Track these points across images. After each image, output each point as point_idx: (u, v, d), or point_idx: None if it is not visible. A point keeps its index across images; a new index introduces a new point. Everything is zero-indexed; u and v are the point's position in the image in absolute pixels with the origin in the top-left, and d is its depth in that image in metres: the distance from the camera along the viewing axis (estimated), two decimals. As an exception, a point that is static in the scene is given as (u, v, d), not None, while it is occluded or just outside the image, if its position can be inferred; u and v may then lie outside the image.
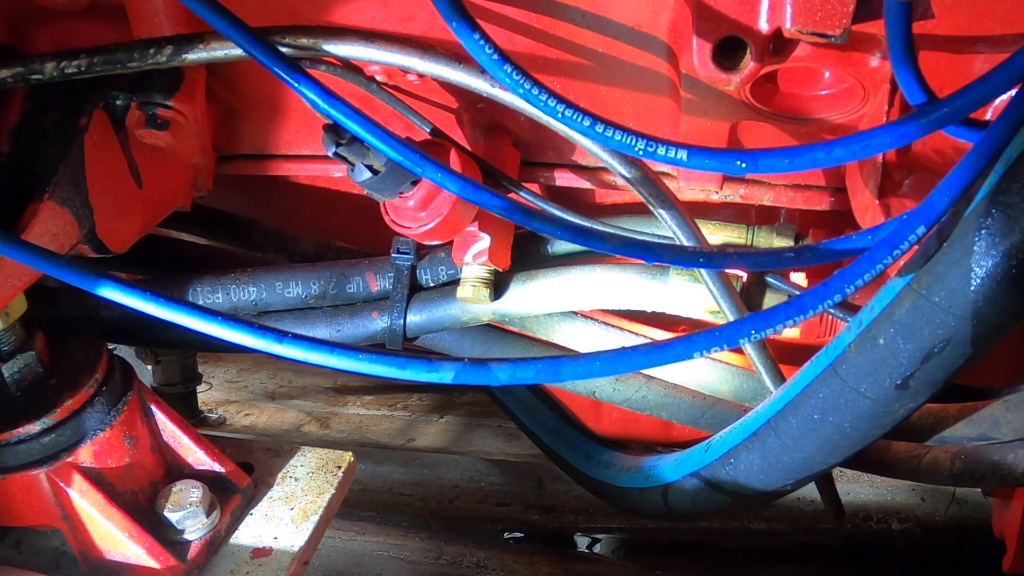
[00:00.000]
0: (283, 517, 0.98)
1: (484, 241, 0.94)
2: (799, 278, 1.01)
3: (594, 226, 0.86)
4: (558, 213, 0.91)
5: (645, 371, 1.07)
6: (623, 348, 0.72)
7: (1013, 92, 0.62)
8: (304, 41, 0.81)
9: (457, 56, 0.83)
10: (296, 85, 0.75)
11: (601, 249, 0.80)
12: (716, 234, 0.98)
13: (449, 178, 0.75)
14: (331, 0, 0.87)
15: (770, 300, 0.98)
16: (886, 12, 0.67)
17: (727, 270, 0.95)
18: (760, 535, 1.68)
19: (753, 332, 0.69)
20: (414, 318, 1.02)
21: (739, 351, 0.95)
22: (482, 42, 0.72)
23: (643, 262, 1.04)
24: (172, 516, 0.92)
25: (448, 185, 0.75)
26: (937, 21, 0.72)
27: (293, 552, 0.94)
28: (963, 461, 0.87)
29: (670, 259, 0.79)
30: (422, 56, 0.83)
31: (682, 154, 0.72)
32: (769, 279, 0.97)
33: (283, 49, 0.82)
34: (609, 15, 0.83)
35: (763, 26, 0.72)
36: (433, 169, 0.74)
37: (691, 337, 0.70)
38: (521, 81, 0.73)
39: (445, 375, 0.72)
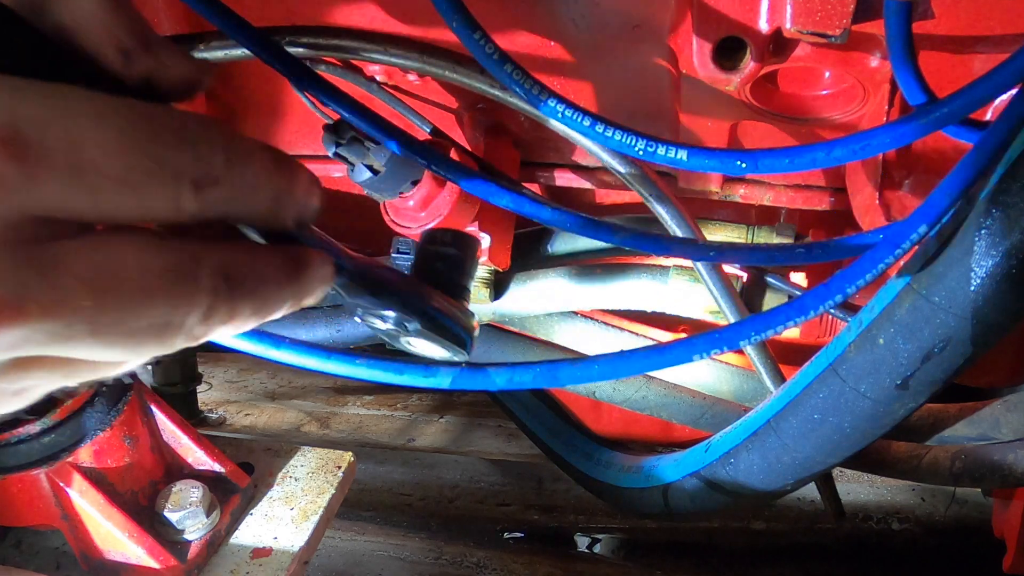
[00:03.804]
0: (283, 517, 0.98)
1: (484, 241, 0.94)
2: (799, 278, 1.01)
3: (603, 219, 0.86)
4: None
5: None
6: (622, 352, 0.72)
7: (1014, 91, 0.62)
8: (304, 41, 0.81)
9: (457, 56, 0.83)
10: (300, 85, 0.74)
11: (610, 241, 0.80)
12: (716, 234, 0.98)
13: (457, 173, 0.75)
14: (331, 0, 0.87)
15: (770, 300, 0.98)
16: (886, 12, 0.67)
17: (728, 269, 0.95)
18: (760, 535, 1.68)
19: (753, 334, 0.69)
20: (414, 318, 1.02)
21: (739, 351, 0.95)
22: (482, 42, 0.72)
23: (646, 260, 1.05)
24: (172, 516, 0.92)
25: (459, 180, 0.75)
26: (937, 21, 0.72)
27: (293, 552, 0.94)
28: (963, 461, 0.87)
29: (680, 252, 0.79)
30: (422, 56, 0.83)
31: (682, 154, 0.72)
32: (769, 279, 0.97)
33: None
34: (609, 15, 0.83)
35: (763, 26, 0.72)
36: (444, 165, 0.75)
37: (691, 340, 0.70)
38: (521, 81, 0.73)
39: (443, 380, 0.71)
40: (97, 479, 0.90)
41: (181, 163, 0.33)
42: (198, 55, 0.84)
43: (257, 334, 0.71)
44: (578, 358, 0.70)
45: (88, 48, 0.37)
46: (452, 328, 0.58)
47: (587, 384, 1.07)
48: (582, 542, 1.75)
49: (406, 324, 0.57)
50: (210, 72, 0.41)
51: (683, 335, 1.13)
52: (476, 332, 0.61)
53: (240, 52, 0.82)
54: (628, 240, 0.80)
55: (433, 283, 0.58)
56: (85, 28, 0.37)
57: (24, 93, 0.31)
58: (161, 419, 0.97)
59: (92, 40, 0.37)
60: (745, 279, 0.98)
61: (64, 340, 0.32)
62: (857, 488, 1.68)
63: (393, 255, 1.03)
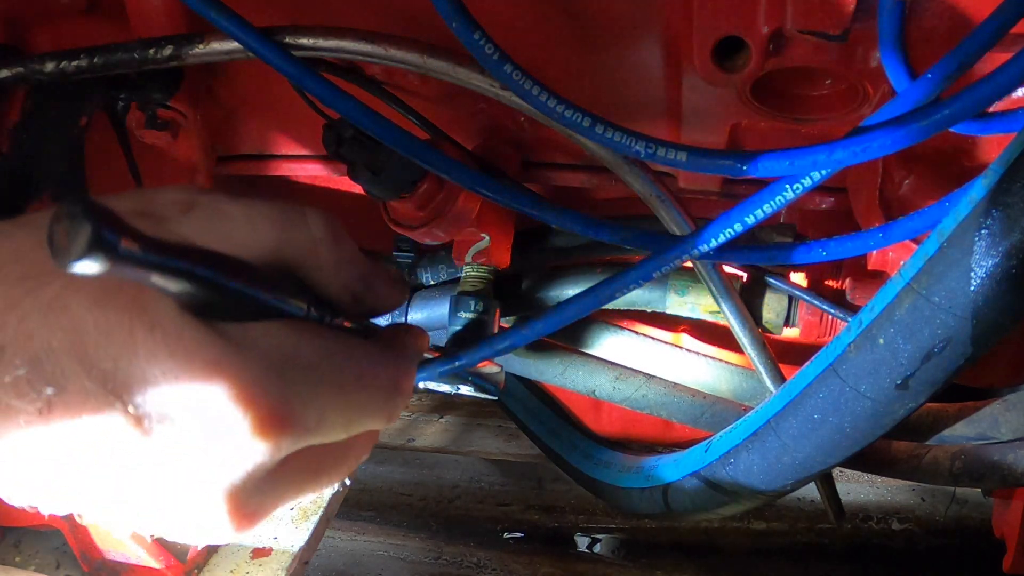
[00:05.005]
0: (283, 517, 0.98)
1: (484, 241, 0.94)
2: (799, 278, 1.01)
3: (604, 219, 0.87)
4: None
5: (645, 370, 1.07)
6: (563, 302, 0.81)
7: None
8: (304, 41, 0.81)
9: (457, 56, 0.83)
10: (301, 84, 0.75)
11: (610, 241, 0.80)
12: (716, 234, 0.98)
13: (457, 173, 0.76)
14: (331, 0, 0.87)
15: (770, 299, 0.98)
16: (880, 10, 0.67)
17: (728, 269, 0.95)
18: (760, 535, 1.68)
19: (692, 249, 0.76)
20: (415, 316, 1.03)
21: (739, 351, 0.95)
22: (482, 42, 0.72)
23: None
24: (172, 516, 0.92)
25: (461, 180, 0.76)
26: (937, 21, 0.72)
27: (293, 552, 0.94)
28: (963, 461, 0.87)
29: (680, 252, 0.79)
30: (422, 56, 0.83)
31: (682, 155, 0.72)
32: (769, 279, 0.97)
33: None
34: (607, 14, 0.83)
35: (763, 26, 0.72)
36: (444, 165, 0.76)
37: (626, 271, 0.78)
38: (521, 81, 0.73)
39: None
40: (97, 479, 0.90)
41: (379, 416, 0.48)
42: (197, 55, 0.84)
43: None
44: (527, 322, 0.82)
45: (327, 295, 0.49)
46: (487, 385, 0.89)
47: (587, 382, 1.07)
48: (582, 542, 1.75)
49: (460, 386, 0.89)
50: (408, 291, 0.56)
51: (683, 333, 1.13)
52: (503, 379, 0.90)
53: (240, 51, 0.82)
54: (628, 240, 0.81)
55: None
56: (328, 287, 0.49)
57: (294, 367, 0.43)
58: (161, 419, 0.97)
59: (332, 293, 0.49)
60: (745, 279, 0.98)
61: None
62: (857, 488, 1.69)
63: (394, 254, 1.03)
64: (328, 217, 0.49)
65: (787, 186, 0.71)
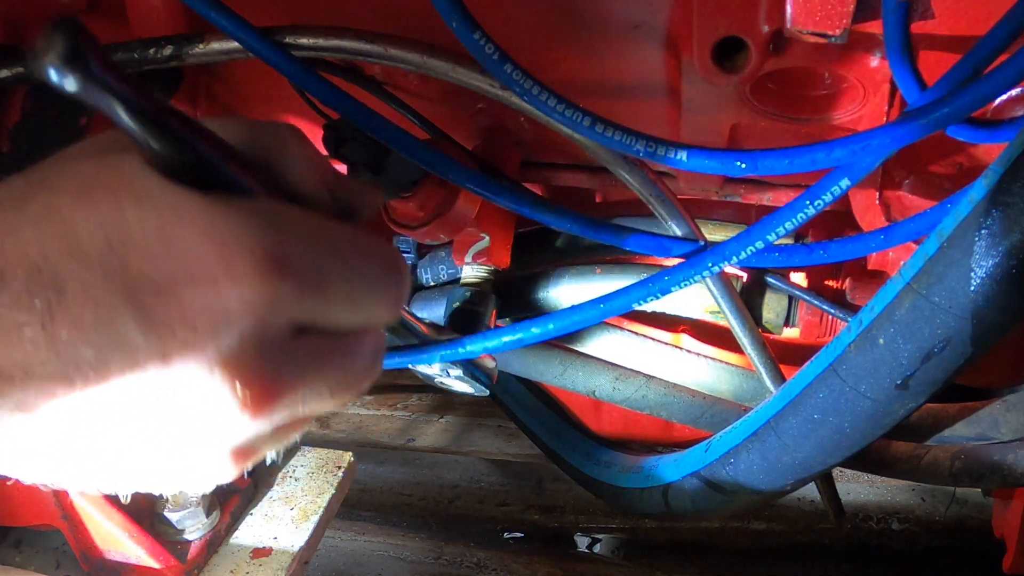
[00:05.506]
0: (283, 517, 0.98)
1: (484, 241, 0.94)
2: (799, 278, 1.01)
3: (604, 219, 0.87)
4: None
5: (645, 370, 1.07)
6: (572, 306, 0.79)
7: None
8: (304, 41, 0.81)
9: (457, 56, 0.83)
10: (301, 84, 0.75)
11: (611, 242, 0.80)
12: (716, 234, 0.98)
13: (457, 173, 0.76)
14: (331, 0, 0.87)
15: (770, 300, 0.98)
16: (884, 11, 0.67)
17: (728, 269, 0.95)
18: (760, 535, 1.68)
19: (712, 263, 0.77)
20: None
21: (739, 351, 0.95)
22: (482, 42, 0.72)
23: (646, 260, 1.05)
24: (172, 516, 0.92)
25: (461, 180, 0.76)
26: (937, 21, 0.72)
27: (293, 552, 0.94)
28: (963, 461, 0.87)
29: (680, 252, 0.80)
30: (422, 56, 0.83)
31: (682, 155, 0.72)
32: (769, 279, 0.97)
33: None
34: (608, 14, 0.83)
35: (763, 26, 0.72)
36: (444, 165, 0.76)
37: (644, 282, 0.78)
38: (521, 81, 0.73)
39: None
40: (97, 479, 0.90)
41: (380, 295, 0.45)
42: (197, 55, 0.84)
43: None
44: (538, 318, 0.79)
45: (303, 190, 0.48)
46: (480, 375, 0.84)
47: (587, 383, 1.07)
48: (582, 542, 1.75)
49: (449, 371, 0.82)
50: (382, 194, 0.54)
51: (683, 333, 1.13)
52: (496, 373, 0.85)
53: (240, 51, 0.82)
54: (629, 240, 0.81)
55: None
56: (303, 179, 0.48)
57: (284, 224, 0.41)
58: (161, 419, 0.97)
59: (308, 187, 0.48)
60: (745, 279, 0.98)
61: (309, 410, 0.44)
62: (857, 488, 1.68)
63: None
64: (295, 127, 0.49)
65: (808, 202, 0.71)
